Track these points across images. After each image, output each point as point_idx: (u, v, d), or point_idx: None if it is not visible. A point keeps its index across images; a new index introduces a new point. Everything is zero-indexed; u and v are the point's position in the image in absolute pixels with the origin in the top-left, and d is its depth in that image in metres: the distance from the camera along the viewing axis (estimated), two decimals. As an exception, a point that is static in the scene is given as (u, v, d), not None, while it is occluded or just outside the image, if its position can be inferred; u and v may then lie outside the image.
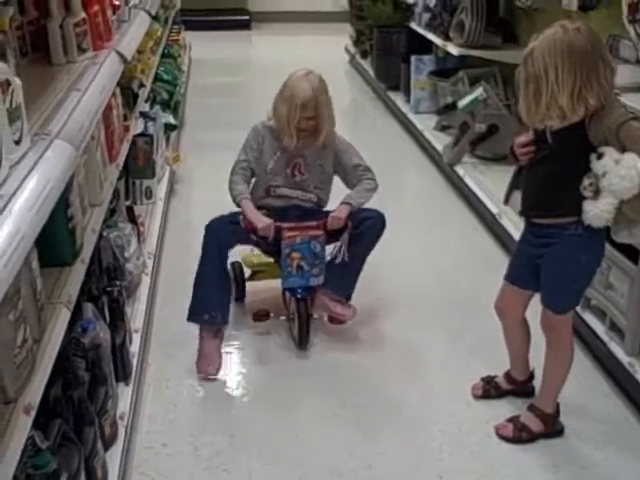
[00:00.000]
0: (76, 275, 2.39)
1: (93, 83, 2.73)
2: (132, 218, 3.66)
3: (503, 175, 4.47)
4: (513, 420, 2.87)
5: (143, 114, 4.59)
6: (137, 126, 4.31)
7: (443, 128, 5.98)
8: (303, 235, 3.18)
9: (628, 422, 2.95)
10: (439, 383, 3.22)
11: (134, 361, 2.98)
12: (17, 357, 1.68)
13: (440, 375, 3.28)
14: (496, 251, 4.34)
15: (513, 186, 4.45)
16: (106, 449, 2.42)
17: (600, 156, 2.44)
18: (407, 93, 6.72)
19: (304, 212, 3.34)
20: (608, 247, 3.11)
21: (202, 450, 2.79)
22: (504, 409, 2.99)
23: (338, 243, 3.25)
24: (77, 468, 2.03)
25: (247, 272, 3.73)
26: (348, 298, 3.36)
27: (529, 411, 2.86)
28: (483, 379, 3.11)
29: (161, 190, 4.73)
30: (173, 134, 5.67)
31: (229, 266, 3.49)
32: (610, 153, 2.42)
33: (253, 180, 3.41)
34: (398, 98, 6.98)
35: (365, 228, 3.25)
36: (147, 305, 3.43)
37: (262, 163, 3.34)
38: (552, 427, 2.84)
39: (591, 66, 2.39)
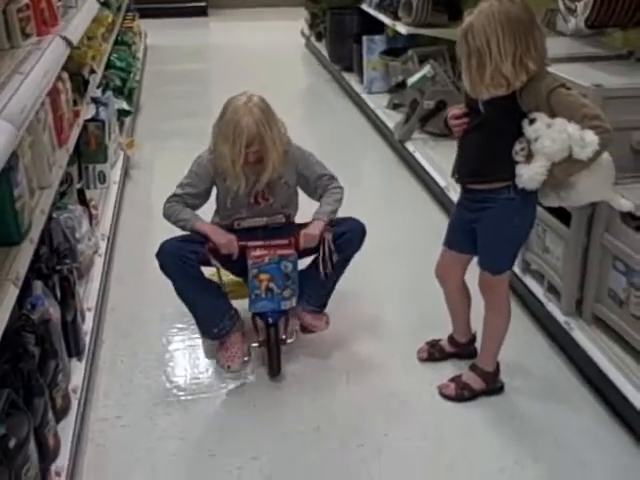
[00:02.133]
0: (24, 254, 2.46)
1: (36, 66, 2.80)
2: (83, 200, 3.71)
3: (451, 150, 4.50)
4: (455, 380, 2.99)
5: (95, 100, 4.64)
6: (88, 111, 4.35)
7: (395, 106, 6.09)
8: (272, 254, 2.93)
9: (566, 379, 3.08)
10: (387, 348, 3.32)
11: (87, 338, 3.06)
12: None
13: (389, 341, 3.38)
14: (444, 223, 4.42)
15: (460, 159, 4.60)
16: (58, 420, 2.50)
17: (532, 121, 2.55)
18: (360, 73, 6.81)
19: (273, 230, 3.09)
20: (544, 212, 3.25)
21: (157, 420, 2.88)
22: (448, 370, 3.11)
23: (318, 259, 3.04)
24: (26, 435, 2.10)
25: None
26: (321, 309, 3.23)
27: (471, 370, 2.98)
28: (428, 343, 3.22)
29: (115, 174, 4.78)
30: (127, 120, 5.70)
31: None
32: (541, 118, 2.53)
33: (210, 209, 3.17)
34: (352, 79, 7.07)
35: (345, 241, 3.04)
36: (100, 285, 3.49)
37: (218, 198, 3.11)
38: (493, 385, 2.97)
39: (528, 32, 2.50)
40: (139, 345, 3.32)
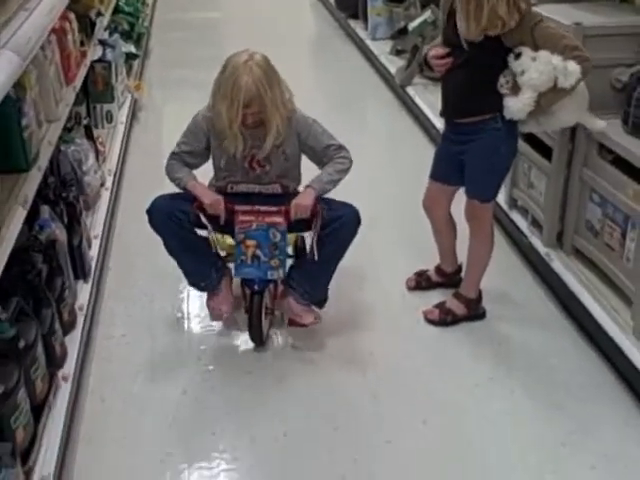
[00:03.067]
0: (32, 180, 2.63)
1: (41, 4, 2.94)
2: (90, 136, 3.88)
3: None
4: (439, 306, 3.17)
5: (102, 42, 4.77)
6: (95, 53, 4.49)
7: (397, 52, 6.19)
8: (260, 221, 2.81)
9: (545, 306, 3.26)
10: (378, 278, 3.50)
11: (93, 263, 3.25)
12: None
13: (380, 273, 3.56)
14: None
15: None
16: (65, 333, 2.70)
17: (518, 56, 2.69)
18: (365, 20, 6.90)
19: (268, 197, 2.94)
20: (529, 149, 3.40)
21: (159, 340, 3.08)
22: (433, 298, 3.28)
23: (309, 239, 2.92)
24: (34, 339, 2.29)
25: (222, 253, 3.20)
26: (319, 304, 3.06)
27: (454, 297, 3.16)
28: (416, 273, 3.40)
29: (122, 115, 4.94)
30: (135, 64, 5.83)
31: None
32: (526, 52, 2.68)
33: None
34: (357, 26, 7.17)
35: (337, 227, 2.84)
36: (106, 216, 3.68)
37: (213, 157, 2.98)
38: (474, 311, 3.15)
39: None
40: (143, 273, 3.51)
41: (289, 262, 3.01)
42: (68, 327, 2.74)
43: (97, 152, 3.86)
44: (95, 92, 4.51)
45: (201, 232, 2.93)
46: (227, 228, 2.90)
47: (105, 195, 3.83)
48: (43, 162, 2.79)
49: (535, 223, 3.44)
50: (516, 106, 2.74)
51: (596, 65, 2.78)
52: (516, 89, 2.73)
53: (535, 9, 2.82)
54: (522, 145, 3.49)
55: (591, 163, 3.02)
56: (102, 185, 3.83)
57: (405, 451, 2.53)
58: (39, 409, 2.31)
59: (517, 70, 2.70)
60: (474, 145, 2.87)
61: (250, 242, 2.83)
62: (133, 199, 4.18)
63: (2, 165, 2.54)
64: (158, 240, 2.93)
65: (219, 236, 3.03)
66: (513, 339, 3.07)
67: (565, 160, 3.15)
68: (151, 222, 2.88)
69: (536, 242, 3.38)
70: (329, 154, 2.90)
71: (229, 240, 3.09)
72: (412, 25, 5.40)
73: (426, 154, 4.72)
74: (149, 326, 3.16)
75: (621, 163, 2.86)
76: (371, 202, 3.99)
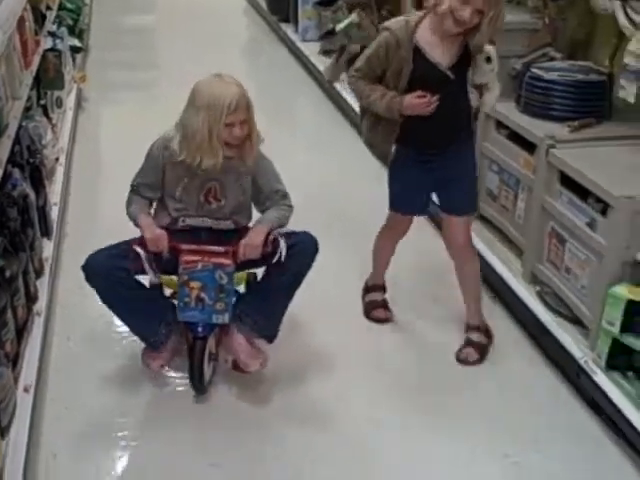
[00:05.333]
0: (4, 146, 2.99)
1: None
2: (47, 115, 4.24)
3: None
4: (470, 344, 3.05)
5: (51, 33, 5.12)
6: (46, 43, 4.85)
7: (326, 52, 6.67)
8: (206, 261, 2.63)
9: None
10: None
11: (54, 225, 3.62)
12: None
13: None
14: (363, 152, 5.07)
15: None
16: (36, 277, 3.08)
17: (489, 59, 2.75)
18: (296, 23, 7.40)
19: (218, 233, 2.79)
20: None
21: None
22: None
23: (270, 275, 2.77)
24: (17, 272, 2.68)
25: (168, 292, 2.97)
26: (271, 340, 2.86)
27: (474, 330, 3.06)
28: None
29: (70, 102, 5.30)
30: (79, 57, 6.19)
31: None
32: (490, 51, 2.75)
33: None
34: (289, 29, 7.65)
35: (293, 256, 2.67)
36: (62, 187, 4.05)
37: (166, 189, 2.78)
38: (491, 333, 3.10)
39: None
40: (97, 234, 3.81)
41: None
42: (38, 273, 3.12)
43: (53, 130, 4.23)
44: (46, 79, 4.85)
45: (144, 278, 2.76)
46: (171, 268, 2.70)
47: (60, 170, 4.21)
48: (12, 131, 3.16)
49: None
50: (492, 100, 2.84)
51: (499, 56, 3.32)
52: (487, 88, 2.81)
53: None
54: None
55: (490, 138, 3.54)
56: (57, 160, 4.20)
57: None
58: (20, 334, 2.69)
59: (486, 69, 2.75)
60: (458, 159, 2.88)
61: (195, 284, 2.65)
62: (83, 175, 4.58)
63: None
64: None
65: (166, 276, 2.82)
66: (431, 295, 3.51)
67: (469, 137, 3.67)
68: (88, 279, 2.66)
69: (446, 211, 3.88)
70: (274, 199, 2.78)
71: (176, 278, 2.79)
72: (339, 26, 5.89)
73: (352, 143, 5.28)
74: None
75: (514, 137, 3.40)
76: (303, 188, 4.44)
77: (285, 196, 2.81)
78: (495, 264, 3.40)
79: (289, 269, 2.68)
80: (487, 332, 3.08)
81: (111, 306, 2.74)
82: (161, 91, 5.99)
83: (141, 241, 2.65)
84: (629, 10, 2.67)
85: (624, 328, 2.59)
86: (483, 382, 2.97)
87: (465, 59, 2.73)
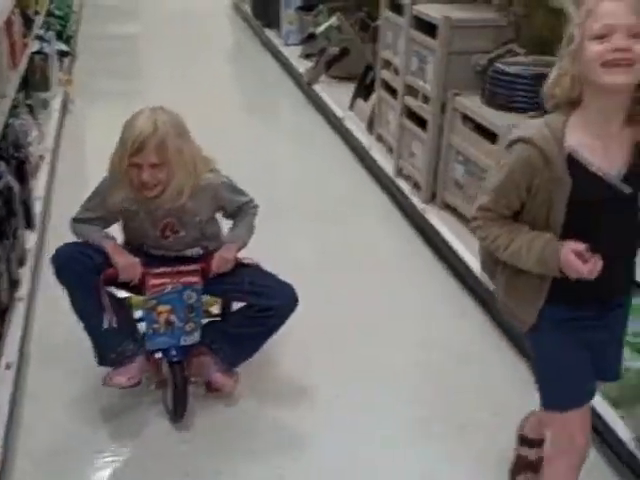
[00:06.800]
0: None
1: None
2: (32, 114, 4.39)
3: (349, 90, 5.48)
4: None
5: (39, 37, 5.28)
6: (34, 46, 5.01)
7: (307, 56, 6.82)
8: (174, 282, 2.53)
9: (422, 253, 3.91)
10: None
11: (37, 218, 3.76)
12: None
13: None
14: (339, 145, 5.29)
15: (356, 95, 5.42)
16: (20, 266, 3.23)
17: None
18: (279, 28, 7.58)
19: (188, 259, 2.67)
20: (410, 124, 4.08)
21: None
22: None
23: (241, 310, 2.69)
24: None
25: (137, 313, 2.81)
26: (234, 366, 2.75)
27: None
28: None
29: (56, 103, 5.45)
30: (66, 61, 6.34)
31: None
32: None
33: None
34: (272, 33, 7.82)
35: (270, 316, 2.61)
36: (47, 183, 4.20)
37: (122, 222, 2.70)
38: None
39: None
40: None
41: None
42: (21, 261, 3.26)
43: (39, 129, 4.37)
44: (33, 81, 5.01)
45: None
46: (137, 290, 2.61)
47: (45, 167, 4.35)
48: (-1, 127, 3.32)
49: (416, 185, 4.10)
50: None
51: (462, 52, 3.50)
52: None
53: (417, 7, 3.47)
54: (405, 121, 4.19)
55: (457, 130, 3.70)
56: (42, 158, 4.34)
57: None
58: (3, 315, 2.83)
59: None
60: (620, 314, 2.02)
61: (163, 308, 2.54)
62: (67, 172, 4.71)
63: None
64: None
65: (135, 297, 2.71)
66: (391, 280, 3.68)
67: (437, 130, 3.83)
68: (58, 273, 2.55)
69: (417, 201, 4.04)
70: (243, 209, 2.71)
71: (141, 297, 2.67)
72: (319, 29, 6.08)
73: (330, 142, 5.44)
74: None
75: (479, 129, 3.55)
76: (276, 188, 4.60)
77: (249, 202, 2.72)
78: (462, 252, 3.54)
79: (267, 324, 2.63)
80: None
81: (77, 305, 2.58)
82: (146, 97, 6.07)
83: (110, 273, 2.51)
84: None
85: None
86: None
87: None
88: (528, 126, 1.86)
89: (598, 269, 1.76)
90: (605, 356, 2.01)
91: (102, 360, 2.64)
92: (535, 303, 1.91)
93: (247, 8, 8.94)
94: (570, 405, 1.97)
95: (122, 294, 2.70)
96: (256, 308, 2.60)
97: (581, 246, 1.77)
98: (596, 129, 1.79)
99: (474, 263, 3.46)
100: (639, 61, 1.68)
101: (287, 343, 2.95)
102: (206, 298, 2.71)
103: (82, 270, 2.50)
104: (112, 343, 2.59)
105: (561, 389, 1.98)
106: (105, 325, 2.53)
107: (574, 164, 1.79)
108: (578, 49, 1.72)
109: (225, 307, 2.85)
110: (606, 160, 1.80)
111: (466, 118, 3.64)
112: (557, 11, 3.53)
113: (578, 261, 1.77)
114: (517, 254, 1.85)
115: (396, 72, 4.36)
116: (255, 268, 2.69)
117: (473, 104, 3.60)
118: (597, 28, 1.69)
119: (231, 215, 2.72)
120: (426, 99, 3.95)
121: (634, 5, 1.68)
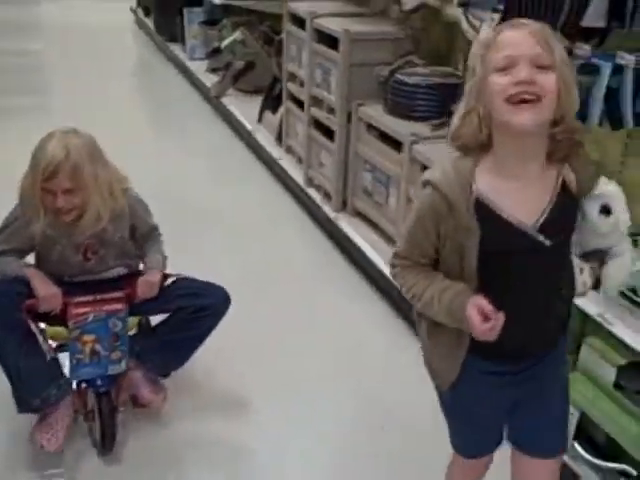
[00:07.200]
0: None
1: None
2: None
3: (257, 104, 5.56)
4: None
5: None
6: None
7: (213, 70, 6.87)
8: (97, 311, 2.47)
9: (333, 259, 4.02)
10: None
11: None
12: None
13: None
14: (251, 160, 5.36)
15: (264, 108, 5.51)
16: None
17: (608, 211, 1.71)
18: (183, 43, 7.60)
19: (111, 281, 2.63)
20: (317, 134, 4.18)
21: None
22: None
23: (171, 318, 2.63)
24: None
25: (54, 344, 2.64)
26: (165, 375, 2.74)
27: None
28: None
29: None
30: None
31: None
32: (609, 193, 1.71)
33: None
34: (177, 48, 7.84)
35: (204, 316, 2.59)
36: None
37: (40, 253, 2.60)
38: None
39: None
40: None
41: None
42: None
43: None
44: None
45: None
46: (58, 321, 2.50)
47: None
48: None
49: (326, 195, 4.22)
50: (623, 272, 1.79)
51: (364, 64, 3.63)
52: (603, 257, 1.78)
53: (317, 21, 3.56)
54: (313, 132, 4.30)
55: (363, 139, 3.83)
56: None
57: None
58: None
59: (603, 226, 1.72)
60: (550, 369, 1.82)
61: (88, 337, 2.48)
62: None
63: None
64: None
65: (51, 328, 2.60)
66: (308, 283, 3.79)
67: (344, 139, 3.95)
68: None
69: (328, 210, 4.15)
70: (152, 234, 2.71)
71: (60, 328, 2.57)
72: (224, 44, 6.15)
73: (240, 155, 5.51)
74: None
75: (383, 138, 3.69)
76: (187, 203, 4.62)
77: (157, 228, 2.74)
78: (374, 257, 3.66)
79: (198, 327, 2.61)
80: None
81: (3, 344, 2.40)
82: (47, 118, 5.95)
83: (31, 303, 2.42)
84: (470, 16, 2.98)
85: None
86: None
87: (566, 210, 1.66)
88: (436, 166, 1.70)
89: (497, 329, 1.58)
90: (532, 418, 1.84)
91: (21, 407, 2.49)
92: (457, 355, 1.74)
93: (150, 23, 8.92)
94: (474, 456, 1.97)
95: (40, 326, 2.55)
96: (190, 310, 2.56)
97: (485, 302, 1.58)
98: (511, 171, 1.61)
99: (385, 267, 3.59)
100: (546, 96, 1.51)
101: (210, 359, 2.93)
102: (131, 319, 2.65)
103: (8, 309, 2.38)
104: (35, 388, 2.44)
105: (465, 444, 1.96)
106: (47, 357, 2.45)
107: (483, 210, 1.60)
108: (481, 83, 1.56)
109: (140, 325, 2.83)
110: (524, 206, 1.61)
111: (371, 127, 3.77)
112: (452, 25, 3.73)
113: (477, 318, 1.58)
114: (429, 305, 1.69)
115: (302, 84, 4.47)
116: (180, 279, 2.66)
117: (377, 113, 3.74)
118: (499, 59, 1.53)
119: (142, 236, 2.68)
120: (332, 110, 4.07)
121: (538, 34, 1.53)
